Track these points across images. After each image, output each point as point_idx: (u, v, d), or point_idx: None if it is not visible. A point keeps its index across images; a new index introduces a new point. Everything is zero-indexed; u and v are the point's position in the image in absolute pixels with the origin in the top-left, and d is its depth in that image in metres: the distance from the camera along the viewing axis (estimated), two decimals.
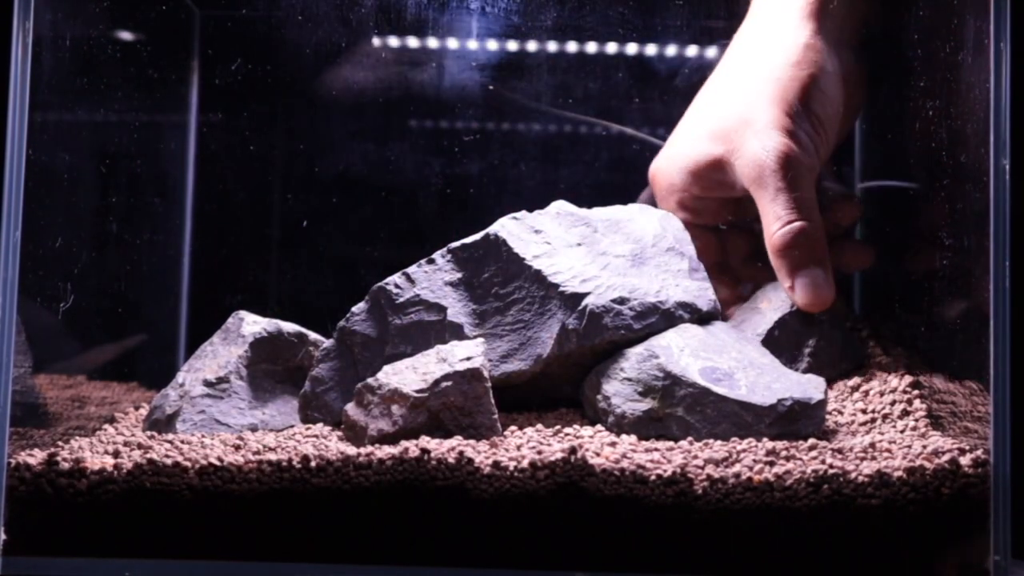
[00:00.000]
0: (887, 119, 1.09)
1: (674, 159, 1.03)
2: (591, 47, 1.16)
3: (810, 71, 0.98)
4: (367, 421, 0.87)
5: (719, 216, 1.04)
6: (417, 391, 0.85)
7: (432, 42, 1.14)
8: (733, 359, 0.89)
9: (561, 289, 0.91)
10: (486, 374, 0.86)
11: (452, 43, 1.14)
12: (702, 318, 0.93)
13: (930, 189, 0.96)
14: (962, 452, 0.79)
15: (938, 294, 0.94)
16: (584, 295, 0.91)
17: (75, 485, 0.79)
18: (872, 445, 0.82)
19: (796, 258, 0.95)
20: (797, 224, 0.94)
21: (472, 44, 1.13)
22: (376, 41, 1.12)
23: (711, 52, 1.13)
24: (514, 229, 0.94)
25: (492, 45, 1.14)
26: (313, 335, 0.98)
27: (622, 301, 0.91)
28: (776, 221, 0.95)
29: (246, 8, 1.17)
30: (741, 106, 0.99)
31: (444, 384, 0.85)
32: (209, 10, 1.17)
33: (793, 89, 0.98)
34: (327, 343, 0.95)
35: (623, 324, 0.91)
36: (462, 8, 1.07)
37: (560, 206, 0.97)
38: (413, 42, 1.14)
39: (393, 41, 1.13)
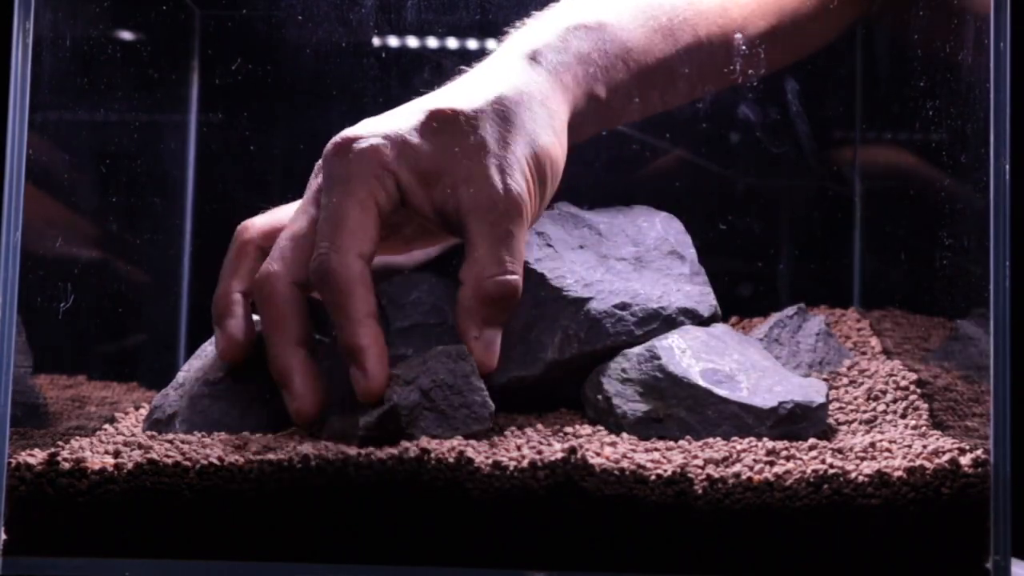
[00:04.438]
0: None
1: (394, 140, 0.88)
2: None
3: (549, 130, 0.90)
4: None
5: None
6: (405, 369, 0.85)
7: (432, 41, 1.14)
8: (735, 361, 0.89)
9: (564, 293, 0.91)
10: (470, 356, 0.86)
11: (452, 42, 1.14)
12: (703, 322, 0.93)
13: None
14: (962, 452, 0.79)
15: (939, 291, 0.94)
16: (586, 300, 0.91)
17: (76, 485, 0.79)
18: (872, 445, 0.82)
19: (496, 312, 0.87)
20: (515, 279, 0.87)
21: (472, 43, 1.13)
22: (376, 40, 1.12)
23: None
24: None
25: (491, 45, 1.14)
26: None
27: (624, 307, 0.91)
28: (496, 265, 0.86)
29: (246, 8, 1.17)
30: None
31: (430, 362, 0.85)
32: (209, 10, 1.17)
33: (530, 146, 0.89)
34: (326, 343, 0.95)
35: (625, 330, 0.91)
36: (462, 7, 1.07)
37: (562, 207, 0.97)
38: (413, 41, 1.14)
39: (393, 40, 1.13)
